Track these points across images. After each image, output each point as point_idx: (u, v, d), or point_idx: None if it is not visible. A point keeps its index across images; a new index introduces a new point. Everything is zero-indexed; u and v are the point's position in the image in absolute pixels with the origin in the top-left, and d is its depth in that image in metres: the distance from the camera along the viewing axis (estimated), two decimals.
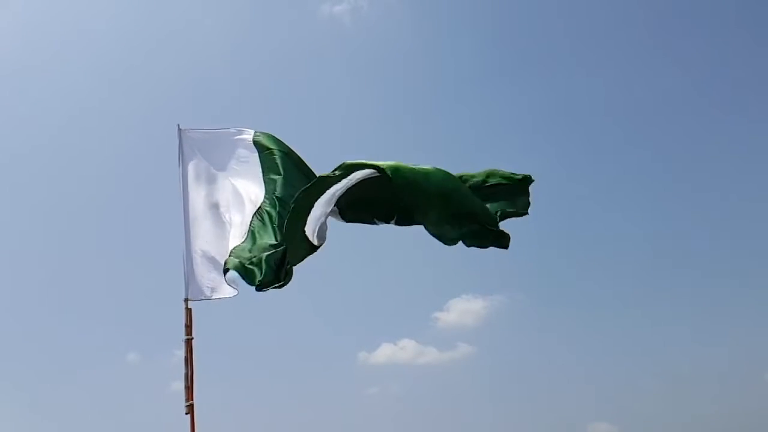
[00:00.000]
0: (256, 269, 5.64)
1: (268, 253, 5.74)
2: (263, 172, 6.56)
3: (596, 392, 21.77)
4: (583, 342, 23.47)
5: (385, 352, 23.63)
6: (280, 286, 5.66)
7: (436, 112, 28.63)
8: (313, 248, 5.70)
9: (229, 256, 5.92)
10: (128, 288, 23.97)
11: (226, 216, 6.35)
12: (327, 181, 5.65)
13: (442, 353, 23.66)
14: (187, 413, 5.65)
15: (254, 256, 5.76)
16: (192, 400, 5.67)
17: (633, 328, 23.55)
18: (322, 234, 5.76)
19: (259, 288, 5.62)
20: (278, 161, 6.58)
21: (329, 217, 5.90)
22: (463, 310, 24.82)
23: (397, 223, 6.34)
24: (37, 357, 21.35)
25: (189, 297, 5.93)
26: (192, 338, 5.84)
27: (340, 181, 5.63)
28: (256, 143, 6.74)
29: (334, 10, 28.45)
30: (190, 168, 6.49)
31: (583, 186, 28.66)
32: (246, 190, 6.47)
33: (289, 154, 6.68)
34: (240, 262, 5.76)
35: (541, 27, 30.08)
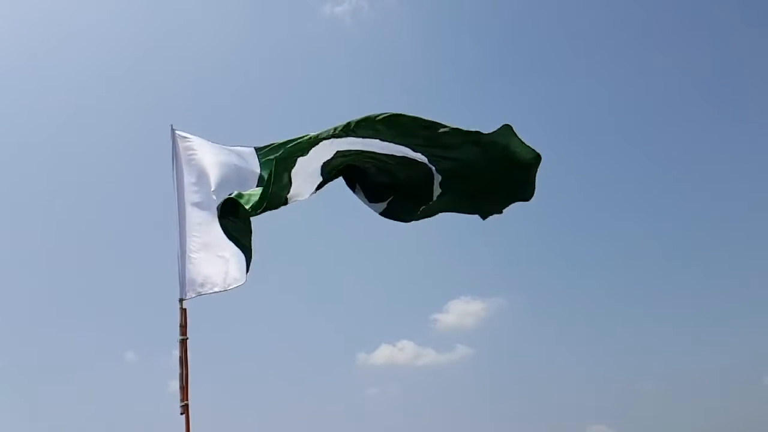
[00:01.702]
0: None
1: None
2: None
3: (595, 394, 21.82)
4: (582, 344, 23.52)
5: (384, 354, 23.70)
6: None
7: (436, 112, 28.48)
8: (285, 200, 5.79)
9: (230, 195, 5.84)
10: (126, 287, 24.03)
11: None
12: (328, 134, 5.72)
13: (440, 355, 23.72)
14: (182, 413, 5.62)
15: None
16: (187, 400, 5.63)
17: (632, 331, 23.63)
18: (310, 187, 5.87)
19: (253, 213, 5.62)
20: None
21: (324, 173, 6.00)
22: (462, 311, 24.90)
23: (386, 210, 6.34)
24: (35, 357, 21.40)
25: (184, 296, 5.89)
26: (187, 338, 5.80)
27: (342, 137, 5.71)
28: (260, 161, 6.63)
29: (335, 10, 28.56)
30: (185, 168, 6.42)
31: (583, 186, 28.71)
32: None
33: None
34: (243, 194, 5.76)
35: (541, 27, 30.15)
